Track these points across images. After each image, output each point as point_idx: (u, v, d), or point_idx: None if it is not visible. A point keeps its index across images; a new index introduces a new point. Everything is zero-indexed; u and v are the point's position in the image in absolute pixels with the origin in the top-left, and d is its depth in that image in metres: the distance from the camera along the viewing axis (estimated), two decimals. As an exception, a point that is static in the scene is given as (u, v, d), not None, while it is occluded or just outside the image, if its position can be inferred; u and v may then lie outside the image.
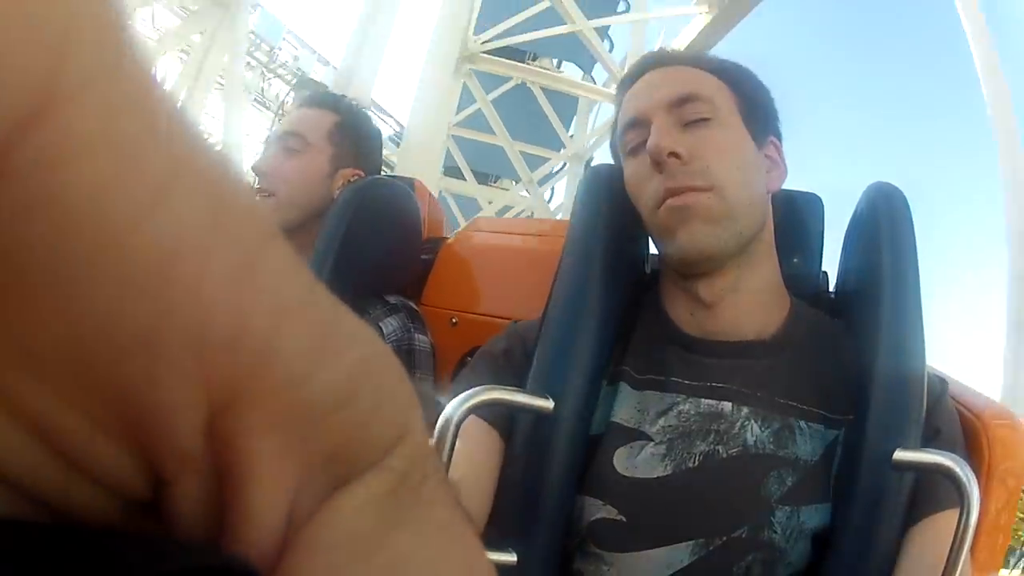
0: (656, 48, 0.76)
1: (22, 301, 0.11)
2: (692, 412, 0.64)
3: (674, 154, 0.64)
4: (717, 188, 0.64)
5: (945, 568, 0.52)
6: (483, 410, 0.61)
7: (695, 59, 0.71)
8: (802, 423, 0.63)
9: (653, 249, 0.81)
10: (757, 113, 0.70)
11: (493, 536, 0.61)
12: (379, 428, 0.15)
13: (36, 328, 0.11)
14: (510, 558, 0.59)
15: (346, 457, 0.14)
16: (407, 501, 0.15)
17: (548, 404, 0.62)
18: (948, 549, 0.53)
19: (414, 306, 1.11)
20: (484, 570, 0.17)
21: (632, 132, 0.69)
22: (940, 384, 0.66)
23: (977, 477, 0.54)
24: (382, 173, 1.22)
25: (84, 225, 0.11)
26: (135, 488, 0.13)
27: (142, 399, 0.12)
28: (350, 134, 1.13)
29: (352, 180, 1.10)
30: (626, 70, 0.74)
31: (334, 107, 1.13)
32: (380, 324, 1.03)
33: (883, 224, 0.69)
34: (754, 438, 0.62)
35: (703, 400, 0.64)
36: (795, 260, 0.75)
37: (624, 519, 0.62)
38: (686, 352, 0.67)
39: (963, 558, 0.52)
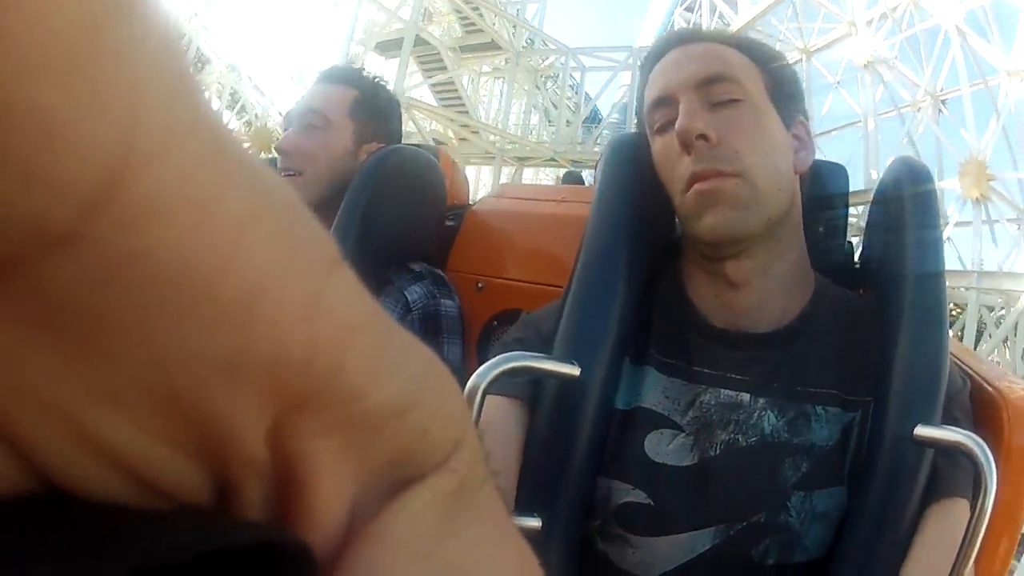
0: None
1: (109, 349, 0.12)
2: (712, 403, 0.65)
3: (703, 136, 0.63)
4: (745, 173, 0.63)
5: (960, 549, 0.53)
6: (508, 383, 0.62)
7: (723, 36, 0.70)
8: (818, 408, 0.64)
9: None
10: (785, 93, 0.68)
11: (518, 500, 0.63)
12: (437, 434, 0.16)
13: (123, 370, 0.12)
14: (535, 523, 0.61)
15: (407, 462, 0.15)
16: (467, 503, 0.16)
17: (575, 371, 0.63)
18: (961, 538, 0.53)
19: (440, 272, 1.12)
20: (535, 572, 0.17)
21: (660, 110, 0.68)
22: (962, 379, 0.66)
23: (996, 455, 0.54)
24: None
25: (167, 279, 0.11)
26: (200, 497, 0.14)
27: (218, 420, 0.13)
28: (370, 108, 1.12)
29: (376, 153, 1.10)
30: (651, 46, 0.72)
31: (353, 82, 1.13)
32: (405, 292, 1.03)
33: (907, 200, 0.68)
34: (771, 427, 0.63)
35: (723, 391, 0.65)
36: (820, 230, 0.74)
37: (652, 503, 0.63)
38: (707, 341, 0.67)
39: (977, 542, 0.53)
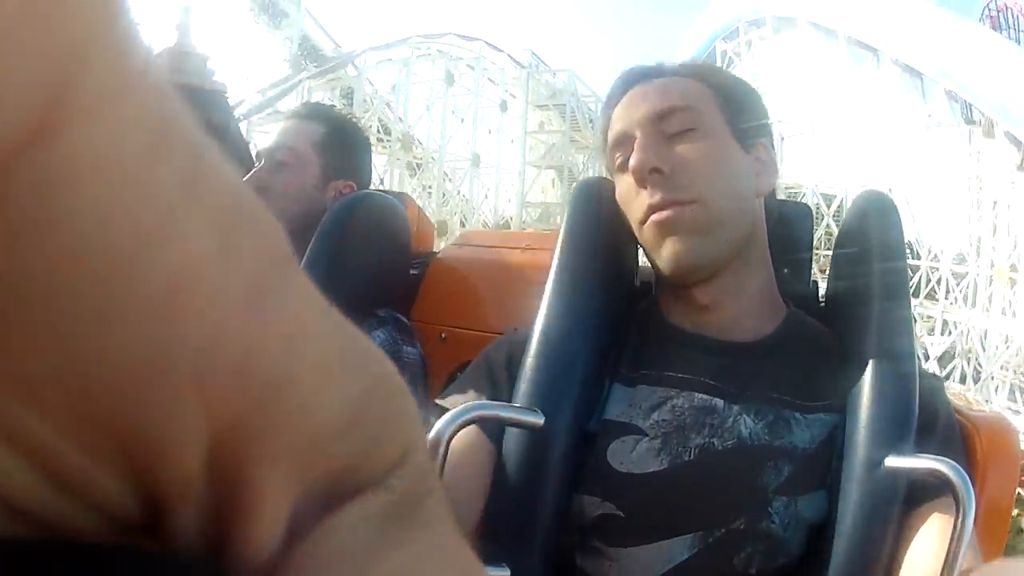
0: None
1: (22, 327, 0.10)
2: (686, 406, 0.64)
3: (656, 170, 0.64)
4: (700, 200, 0.64)
5: (942, 570, 0.52)
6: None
7: (678, 68, 0.71)
8: (797, 414, 0.64)
9: (643, 260, 0.82)
10: (743, 115, 0.70)
11: (485, 550, 0.60)
12: (383, 449, 0.15)
13: (36, 355, 0.10)
14: (503, 573, 0.59)
15: (349, 477, 0.14)
16: (406, 519, 0.15)
17: (538, 420, 0.62)
18: (944, 550, 0.53)
19: (403, 319, 1.10)
20: None
21: (619, 149, 0.69)
22: (935, 379, 0.67)
23: (972, 481, 0.54)
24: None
25: (87, 251, 0.10)
26: (132, 513, 0.12)
27: (144, 428, 0.11)
28: (339, 145, 1.13)
29: (344, 192, 1.11)
30: (611, 86, 0.74)
31: (321, 118, 1.14)
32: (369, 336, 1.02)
33: (873, 233, 0.69)
34: (748, 431, 0.63)
35: (696, 394, 0.64)
36: (785, 271, 0.75)
37: (622, 515, 0.62)
38: (680, 347, 0.68)
39: (960, 557, 0.52)
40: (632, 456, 0.63)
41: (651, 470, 0.62)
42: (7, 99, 0.09)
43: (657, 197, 0.64)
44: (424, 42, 15.01)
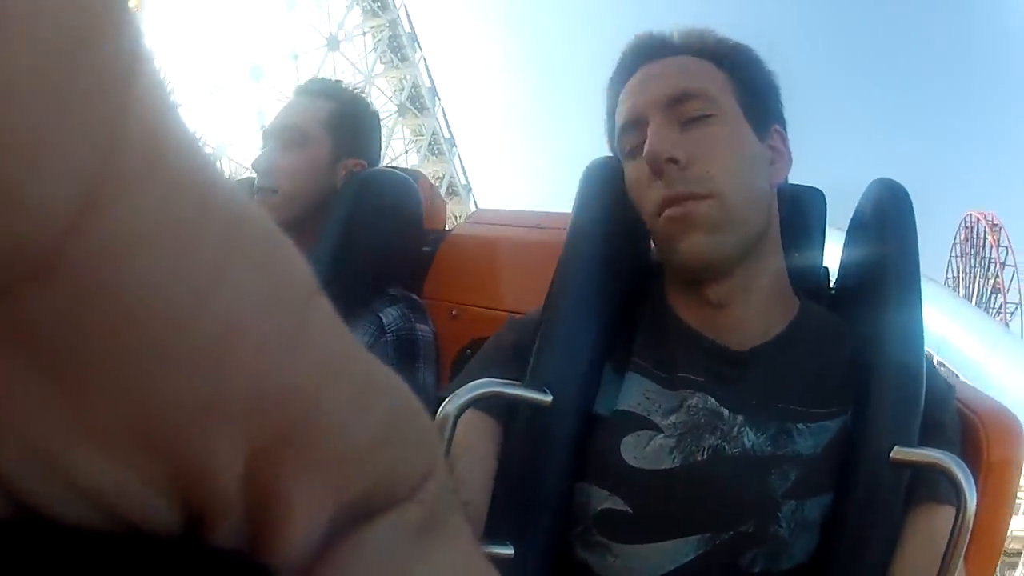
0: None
1: (84, 384, 0.11)
2: (700, 406, 0.63)
3: (672, 159, 0.62)
4: (717, 194, 0.62)
5: (942, 564, 0.53)
6: (481, 402, 0.61)
7: (691, 46, 0.68)
8: (800, 425, 0.63)
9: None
10: (759, 102, 0.67)
11: (490, 528, 0.61)
12: (408, 467, 0.16)
13: (99, 407, 0.11)
14: (507, 551, 0.59)
15: (379, 493, 0.15)
16: (434, 533, 0.16)
17: (546, 398, 0.62)
18: (944, 547, 0.53)
19: (415, 297, 1.11)
20: None
21: (629, 134, 0.67)
22: (947, 386, 0.66)
23: (976, 473, 0.54)
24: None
25: (143, 312, 0.11)
26: (173, 528, 0.13)
27: (194, 457, 0.12)
28: (348, 122, 1.10)
29: (354, 170, 1.09)
30: (619, 59, 0.70)
31: (330, 95, 1.10)
32: (380, 314, 1.02)
33: (887, 221, 0.68)
34: (751, 443, 0.62)
35: (709, 397, 0.64)
36: (796, 255, 0.74)
37: (631, 511, 0.61)
38: (693, 350, 0.66)
39: (960, 556, 0.52)
40: (646, 451, 0.62)
41: (664, 467, 0.62)
42: (52, 179, 0.10)
43: (673, 190, 0.62)
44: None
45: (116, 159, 0.10)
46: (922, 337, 0.64)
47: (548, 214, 1.18)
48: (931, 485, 0.59)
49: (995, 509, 0.64)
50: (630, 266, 0.73)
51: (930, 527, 0.57)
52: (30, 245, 0.10)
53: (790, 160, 0.69)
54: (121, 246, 0.10)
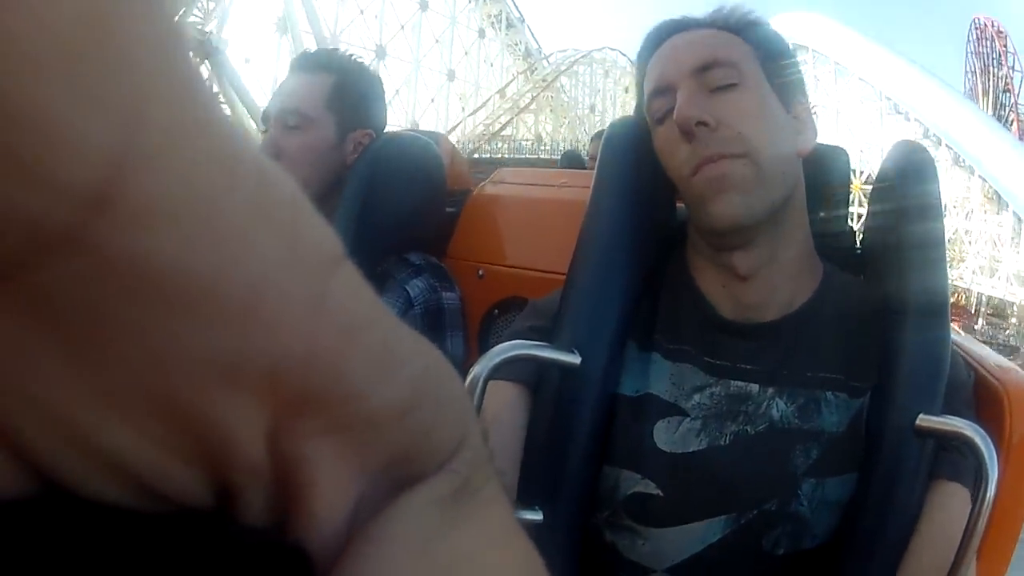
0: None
1: (107, 353, 0.11)
2: (723, 394, 0.65)
3: (702, 123, 0.63)
4: (751, 153, 0.62)
5: (963, 538, 0.53)
6: (510, 368, 0.62)
7: (717, 20, 0.69)
8: (828, 394, 0.64)
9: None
10: (783, 73, 0.68)
11: (520, 493, 0.62)
12: (440, 435, 0.16)
13: (122, 375, 0.12)
14: (536, 516, 0.61)
15: (410, 461, 0.15)
16: (468, 503, 0.16)
17: (575, 359, 0.63)
18: (961, 530, 0.53)
19: (438, 263, 1.11)
20: (538, 570, 0.18)
21: (659, 100, 0.67)
22: (968, 372, 0.66)
23: (997, 445, 0.54)
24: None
25: (167, 283, 0.11)
26: (203, 500, 0.14)
27: (217, 423, 0.13)
28: (351, 94, 1.05)
29: (363, 141, 1.05)
30: (646, 34, 0.71)
31: (329, 67, 1.05)
32: (407, 287, 1.02)
33: (909, 182, 0.68)
34: (779, 414, 0.63)
35: (732, 382, 0.65)
36: (821, 215, 0.74)
37: (662, 494, 0.63)
38: (715, 330, 0.67)
39: (979, 532, 0.53)
40: (675, 436, 0.64)
41: (692, 449, 0.63)
42: (74, 155, 0.10)
43: (708, 150, 0.62)
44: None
45: (139, 135, 0.10)
46: (946, 308, 0.63)
47: (573, 172, 1.17)
48: (950, 464, 0.59)
49: (1017, 485, 0.63)
50: (652, 232, 0.73)
51: (949, 506, 0.58)
52: (52, 220, 0.10)
53: (815, 132, 0.69)
54: (145, 219, 0.11)
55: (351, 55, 1.11)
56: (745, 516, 0.62)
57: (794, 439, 0.63)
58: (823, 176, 0.75)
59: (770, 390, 0.64)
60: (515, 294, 1.07)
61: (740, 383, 0.65)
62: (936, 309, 0.63)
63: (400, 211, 1.05)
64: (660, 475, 0.63)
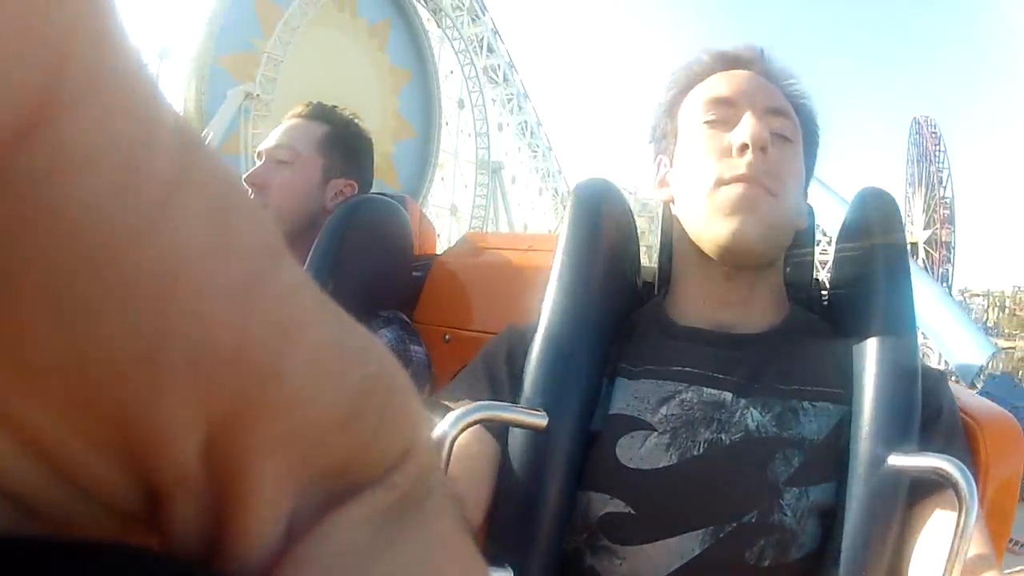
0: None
1: (20, 318, 0.10)
2: (695, 400, 0.64)
3: (765, 149, 0.66)
4: (783, 199, 0.67)
5: (945, 568, 0.52)
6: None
7: (783, 85, 0.73)
8: (805, 403, 0.64)
9: (645, 261, 0.82)
10: (812, 152, 0.74)
11: (489, 551, 0.60)
12: (383, 445, 0.15)
13: (35, 345, 0.11)
14: (506, 574, 0.59)
15: (348, 474, 0.14)
16: (408, 517, 0.15)
17: (542, 422, 0.62)
18: (949, 544, 0.53)
19: (408, 319, 1.11)
20: None
21: (721, 107, 0.70)
22: (938, 373, 0.68)
23: (976, 480, 0.54)
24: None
25: (82, 238, 0.10)
26: (131, 504, 0.13)
27: (140, 416, 0.12)
28: (340, 144, 1.13)
29: (344, 191, 1.11)
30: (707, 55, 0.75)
31: (324, 118, 1.14)
32: (376, 335, 1.02)
33: (874, 227, 0.70)
34: (755, 423, 0.63)
35: (706, 389, 0.65)
36: (787, 269, 0.75)
37: (632, 511, 0.62)
38: (688, 343, 0.68)
39: (964, 554, 0.52)
40: (641, 452, 0.63)
41: (661, 465, 0.62)
42: (5, 86, 0.09)
43: (754, 171, 0.66)
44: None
45: (61, 78, 0.10)
46: (916, 348, 0.65)
47: (538, 236, 1.18)
48: (934, 483, 0.59)
49: (995, 517, 0.64)
50: (622, 284, 0.74)
51: (934, 527, 0.57)
52: None
53: (808, 207, 0.75)
54: (61, 166, 0.10)
55: (348, 113, 1.19)
56: (724, 529, 0.60)
57: (773, 447, 0.62)
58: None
59: (743, 400, 0.64)
60: (482, 359, 1.05)
61: (713, 391, 0.64)
62: (907, 351, 0.64)
63: (370, 273, 1.07)
64: (629, 493, 0.62)
